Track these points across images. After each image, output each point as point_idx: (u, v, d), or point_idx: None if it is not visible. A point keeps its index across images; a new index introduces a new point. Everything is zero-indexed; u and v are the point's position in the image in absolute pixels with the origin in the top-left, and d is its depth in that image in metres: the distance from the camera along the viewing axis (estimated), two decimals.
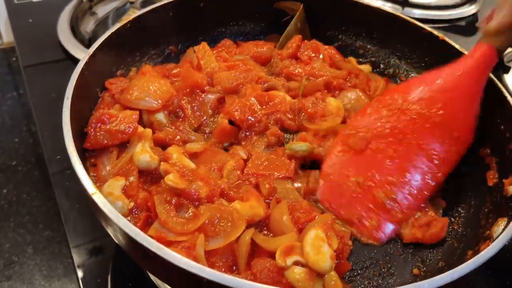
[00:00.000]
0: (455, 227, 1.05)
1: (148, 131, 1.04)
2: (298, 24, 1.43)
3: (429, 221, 1.01)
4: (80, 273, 1.11)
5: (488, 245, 0.81)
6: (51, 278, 1.22)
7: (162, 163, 0.99)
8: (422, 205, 1.02)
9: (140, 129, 1.04)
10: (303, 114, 1.19)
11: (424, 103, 1.04)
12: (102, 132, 0.99)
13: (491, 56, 1.04)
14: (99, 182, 0.96)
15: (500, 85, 1.09)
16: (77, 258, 1.13)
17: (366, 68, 1.41)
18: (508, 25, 1.00)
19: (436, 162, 1.02)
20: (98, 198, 0.78)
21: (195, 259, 0.82)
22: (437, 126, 1.03)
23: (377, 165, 1.03)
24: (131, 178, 0.95)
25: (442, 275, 0.73)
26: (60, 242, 1.28)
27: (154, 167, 0.99)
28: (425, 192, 1.01)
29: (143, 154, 0.98)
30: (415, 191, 1.01)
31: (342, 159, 1.08)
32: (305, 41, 1.39)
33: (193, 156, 1.08)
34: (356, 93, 1.26)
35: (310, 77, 1.29)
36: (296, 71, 1.30)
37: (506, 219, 0.92)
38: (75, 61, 1.61)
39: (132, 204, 0.91)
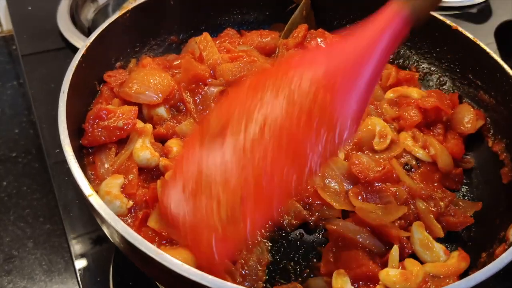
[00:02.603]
0: (468, 226, 1.02)
1: (149, 126, 1.02)
2: (304, 12, 1.40)
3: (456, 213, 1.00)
4: (78, 267, 1.10)
5: (504, 248, 0.78)
6: (52, 273, 1.21)
7: (161, 159, 0.97)
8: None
9: (140, 124, 1.03)
10: None
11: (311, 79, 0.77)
12: (100, 129, 0.97)
13: (400, 26, 0.79)
14: (97, 180, 0.94)
15: None
16: (76, 252, 1.12)
17: None
18: None
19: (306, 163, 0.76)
20: (95, 200, 0.76)
21: None
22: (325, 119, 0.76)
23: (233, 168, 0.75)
24: (131, 176, 0.94)
25: (457, 282, 0.71)
26: (60, 236, 1.26)
27: (154, 164, 0.97)
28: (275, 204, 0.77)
29: (143, 151, 0.96)
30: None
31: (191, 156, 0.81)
32: (311, 30, 1.35)
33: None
34: None
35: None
36: None
37: None
38: (75, 49, 1.58)
39: (131, 203, 0.90)
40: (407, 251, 0.93)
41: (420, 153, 1.10)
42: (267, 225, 0.89)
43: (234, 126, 0.77)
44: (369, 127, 1.11)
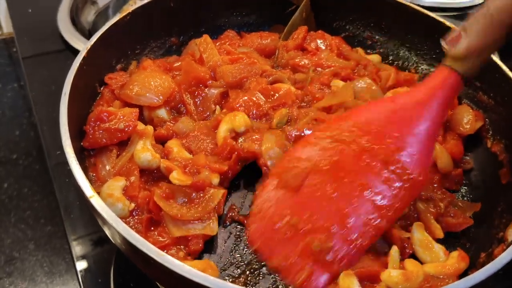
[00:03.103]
0: (467, 227, 1.02)
1: (150, 128, 1.03)
2: (304, 14, 1.40)
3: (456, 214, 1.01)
4: (79, 268, 1.10)
5: (503, 249, 0.78)
6: (53, 275, 1.21)
7: (162, 160, 0.97)
8: (360, 257, 0.85)
9: (141, 126, 1.02)
10: (310, 102, 1.17)
11: (373, 135, 0.87)
12: (101, 131, 0.97)
13: (456, 84, 0.87)
14: (98, 182, 0.94)
15: None
16: (77, 253, 1.13)
17: (376, 58, 1.37)
18: (477, 49, 0.84)
19: (381, 208, 0.83)
20: (96, 201, 0.76)
21: None
22: (385, 163, 0.85)
23: (314, 206, 0.85)
24: (132, 178, 0.94)
25: (456, 282, 0.71)
26: (61, 238, 1.26)
27: (155, 166, 0.97)
28: (365, 242, 0.83)
29: (144, 152, 0.96)
30: (354, 240, 0.82)
31: (275, 196, 0.89)
32: (311, 32, 1.36)
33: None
34: (365, 81, 1.21)
35: (317, 68, 1.25)
36: (302, 62, 1.27)
37: None
38: (75, 52, 1.59)
39: (133, 205, 0.90)
40: (407, 251, 0.93)
41: None
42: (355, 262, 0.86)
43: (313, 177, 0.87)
44: None
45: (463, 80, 0.86)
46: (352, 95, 1.14)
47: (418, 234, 0.95)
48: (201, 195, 0.95)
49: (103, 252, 1.12)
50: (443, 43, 0.86)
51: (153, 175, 0.99)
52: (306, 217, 0.84)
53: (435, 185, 1.07)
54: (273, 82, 1.21)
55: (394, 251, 0.89)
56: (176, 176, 0.92)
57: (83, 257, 1.12)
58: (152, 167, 0.97)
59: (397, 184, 0.83)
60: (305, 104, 1.17)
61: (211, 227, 0.92)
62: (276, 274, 0.91)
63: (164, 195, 0.92)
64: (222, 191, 0.97)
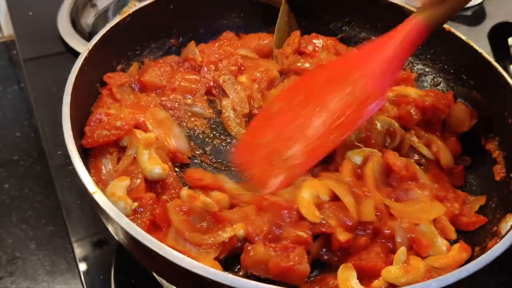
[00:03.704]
0: None
1: (152, 136, 1.01)
2: (286, 18, 1.41)
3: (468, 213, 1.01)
4: (82, 268, 1.11)
5: (496, 242, 0.80)
6: (54, 274, 1.22)
7: (185, 189, 0.95)
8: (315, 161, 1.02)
9: (141, 133, 1.02)
10: None
11: (340, 70, 1.09)
12: (99, 130, 0.97)
13: (420, 28, 1.02)
14: (100, 184, 0.93)
15: (507, 77, 1.07)
16: (79, 253, 1.14)
17: None
18: None
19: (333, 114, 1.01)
20: (99, 197, 0.77)
21: None
22: (345, 86, 1.03)
23: (281, 126, 1.06)
24: (138, 181, 0.93)
25: (450, 273, 0.72)
26: (63, 237, 1.27)
27: (165, 177, 0.97)
28: (320, 150, 1.01)
29: (154, 166, 0.95)
30: (310, 151, 1.00)
31: (255, 126, 1.12)
32: (305, 35, 1.37)
33: None
34: None
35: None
36: (305, 66, 1.28)
37: None
38: (76, 54, 1.60)
39: (135, 204, 0.89)
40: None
41: (425, 151, 1.11)
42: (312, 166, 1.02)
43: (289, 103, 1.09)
44: (378, 124, 1.13)
45: (430, 27, 1.02)
46: None
47: (425, 228, 0.95)
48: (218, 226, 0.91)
49: (104, 251, 1.14)
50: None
51: (159, 185, 0.98)
52: (273, 135, 1.06)
53: (446, 185, 1.07)
54: None
55: (401, 251, 0.89)
56: (202, 199, 0.89)
57: (84, 255, 1.14)
58: (162, 178, 0.96)
59: (351, 94, 1.02)
60: None
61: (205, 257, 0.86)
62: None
63: (180, 209, 0.89)
64: (241, 230, 0.89)
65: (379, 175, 1.03)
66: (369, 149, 1.08)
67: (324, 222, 0.90)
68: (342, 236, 0.88)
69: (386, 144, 1.12)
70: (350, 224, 0.90)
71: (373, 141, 1.11)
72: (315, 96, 1.06)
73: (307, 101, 1.06)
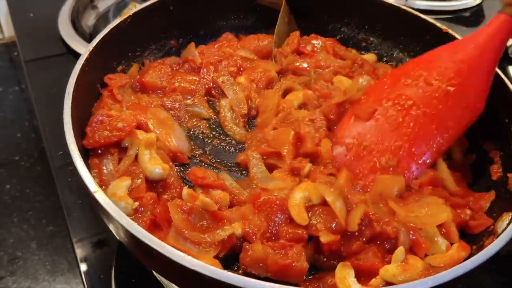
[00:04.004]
0: None
1: (153, 136, 1.01)
2: (286, 18, 1.42)
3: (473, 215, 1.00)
4: (83, 268, 1.12)
5: (493, 241, 0.80)
6: (55, 273, 1.22)
7: (185, 188, 0.96)
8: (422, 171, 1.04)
9: (142, 134, 1.03)
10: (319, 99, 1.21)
11: (438, 74, 1.07)
12: (100, 131, 0.98)
13: (508, 26, 1.04)
14: (102, 184, 0.94)
15: (504, 77, 1.09)
16: (80, 253, 1.14)
17: (371, 57, 1.40)
18: None
19: (444, 133, 1.04)
20: (100, 196, 0.78)
21: None
22: (450, 96, 1.05)
23: (384, 133, 1.07)
24: (139, 181, 0.94)
25: (446, 271, 0.73)
26: (63, 237, 1.28)
27: (166, 177, 0.97)
28: (428, 161, 1.04)
29: (155, 165, 0.96)
30: (419, 159, 1.04)
31: (352, 126, 1.12)
32: (304, 36, 1.39)
33: None
34: (366, 77, 1.24)
35: (317, 69, 1.28)
36: (303, 65, 1.30)
37: (510, 214, 0.92)
38: (76, 55, 1.61)
39: (136, 204, 0.89)
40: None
41: None
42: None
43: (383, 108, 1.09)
44: None
45: None
46: (359, 90, 1.17)
47: (427, 230, 0.94)
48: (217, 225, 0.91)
49: (105, 251, 1.14)
50: None
51: (160, 184, 0.98)
52: (376, 140, 1.07)
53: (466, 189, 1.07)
54: (284, 90, 1.23)
55: (400, 250, 0.89)
56: (201, 198, 0.90)
57: (85, 254, 1.14)
58: (163, 177, 0.97)
59: (457, 110, 1.05)
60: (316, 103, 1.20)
61: (204, 256, 0.86)
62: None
63: (180, 209, 0.90)
64: (239, 229, 0.91)
65: None
66: None
67: (311, 225, 0.91)
68: (324, 238, 0.88)
69: None
70: (336, 229, 0.90)
71: None
72: (416, 101, 1.07)
73: (405, 106, 1.07)
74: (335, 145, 1.10)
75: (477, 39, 1.06)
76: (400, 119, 1.06)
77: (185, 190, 0.94)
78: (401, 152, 1.04)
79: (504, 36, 1.05)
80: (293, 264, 0.85)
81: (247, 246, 0.88)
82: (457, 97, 1.05)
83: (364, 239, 0.91)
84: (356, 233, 0.91)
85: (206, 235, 0.88)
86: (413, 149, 1.04)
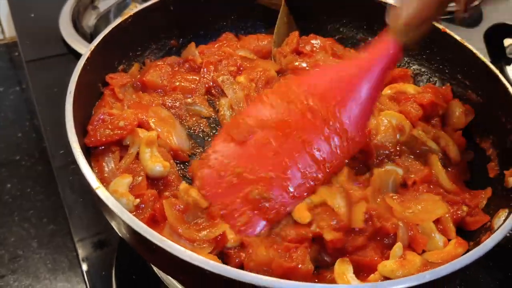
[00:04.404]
0: None
1: (154, 134, 1.02)
2: (285, 18, 1.42)
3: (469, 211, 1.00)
4: (84, 267, 1.13)
5: (489, 237, 0.81)
6: (56, 272, 1.23)
7: (182, 183, 0.97)
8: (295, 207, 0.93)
9: (143, 132, 1.03)
10: None
11: (317, 97, 0.97)
12: (102, 130, 0.99)
13: (396, 53, 0.96)
14: (103, 182, 0.93)
15: (501, 77, 1.09)
16: (81, 252, 1.15)
17: None
18: (416, 21, 0.93)
19: (319, 162, 0.94)
20: (102, 192, 0.79)
21: None
22: (327, 122, 0.95)
23: (258, 159, 0.95)
24: (139, 178, 0.95)
25: (443, 266, 0.74)
26: (64, 236, 1.29)
27: (166, 174, 0.98)
28: (303, 193, 0.93)
29: (155, 163, 0.96)
30: (292, 191, 0.92)
31: (224, 147, 1.00)
32: (303, 36, 1.39)
33: None
34: None
35: (316, 69, 1.27)
36: (302, 65, 1.30)
37: (507, 210, 0.93)
38: (77, 55, 1.62)
39: (137, 200, 0.90)
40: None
41: (434, 145, 1.11)
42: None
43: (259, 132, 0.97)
44: (385, 121, 1.12)
45: (403, 49, 0.96)
46: None
47: (424, 226, 0.95)
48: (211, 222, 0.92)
49: (106, 250, 1.16)
50: (386, 19, 0.96)
51: (161, 182, 0.99)
52: (250, 168, 0.93)
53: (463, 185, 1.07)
54: None
55: (398, 246, 0.89)
56: (193, 195, 0.92)
57: (87, 253, 1.15)
58: (164, 175, 0.97)
59: (336, 142, 0.95)
60: None
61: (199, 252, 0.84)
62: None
63: (176, 207, 0.91)
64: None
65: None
66: None
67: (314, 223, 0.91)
68: (328, 236, 0.88)
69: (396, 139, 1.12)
70: (339, 226, 0.89)
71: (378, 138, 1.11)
72: (294, 125, 0.96)
73: (282, 130, 0.96)
74: (200, 165, 0.99)
75: (361, 64, 0.98)
76: (276, 145, 0.95)
77: (182, 185, 0.95)
78: (271, 185, 0.92)
79: (389, 64, 0.97)
80: (298, 266, 0.84)
81: (250, 250, 0.87)
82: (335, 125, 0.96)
83: (367, 235, 0.91)
84: (357, 229, 0.91)
85: (199, 233, 0.88)
86: (285, 181, 0.93)
